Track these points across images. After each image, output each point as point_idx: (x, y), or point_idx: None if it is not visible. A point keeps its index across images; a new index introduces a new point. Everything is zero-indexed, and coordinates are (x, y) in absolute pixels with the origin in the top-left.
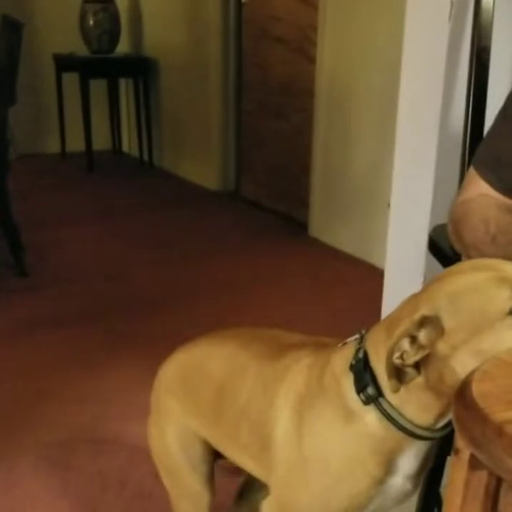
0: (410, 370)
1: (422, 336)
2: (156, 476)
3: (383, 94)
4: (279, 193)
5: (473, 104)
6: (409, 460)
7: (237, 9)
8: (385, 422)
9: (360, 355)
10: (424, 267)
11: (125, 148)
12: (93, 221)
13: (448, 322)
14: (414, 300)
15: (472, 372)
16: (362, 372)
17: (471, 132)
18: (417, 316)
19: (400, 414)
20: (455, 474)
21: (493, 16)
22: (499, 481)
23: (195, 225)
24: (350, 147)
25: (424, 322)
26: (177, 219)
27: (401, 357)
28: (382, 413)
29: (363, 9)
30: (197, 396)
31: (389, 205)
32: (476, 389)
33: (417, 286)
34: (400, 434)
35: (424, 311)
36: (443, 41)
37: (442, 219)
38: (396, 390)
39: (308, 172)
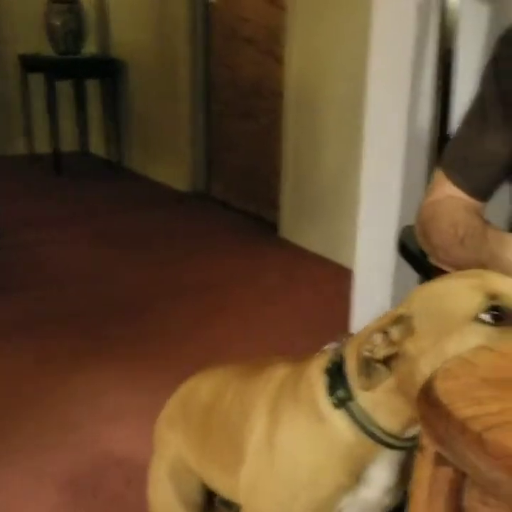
0: (380, 368)
1: (394, 332)
2: (129, 481)
3: (352, 95)
4: (249, 194)
5: (439, 105)
6: (382, 471)
7: (205, 9)
8: (355, 427)
9: (337, 359)
10: (393, 268)
11: (93, 149)
12: (62, 224)
13: (419, 323)
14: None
15: (435, 371)
16: (335, 375)
17: (438, 134)
18: (394, 313)
19: (370, 419)
20: (420, 471)
21: (458, 18)
22: (463, 476)
23: (166, 226)
24: (319, 148)
25: (398, 320)
26: (147, 220)
27: (371, 350)
28: (352, 417)
29: (332, 11)
30: (190, 424)
31: None
32: (440, 387)
33: (386, 286)
34: (370, 442)
35: (401, 310)
36: (409, 44)
37: (410, 220)
38: (365, 388)
39: (277, 173)
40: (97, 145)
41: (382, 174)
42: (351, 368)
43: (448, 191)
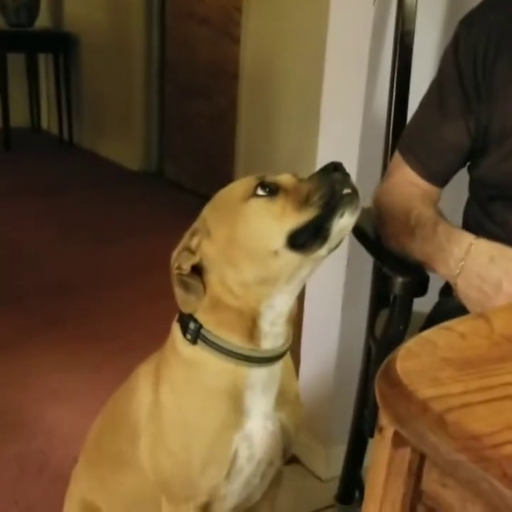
0: (193, 282)
1: (193, 243)
2: (75, 459)
3: (307, 78)
4: (203, 175)
5: (397, 89)
6: (259, 396)
7: None
8: (215, 354)
9: None
10: (347, 250)
11: (44, 125)
12: (9, 200)
13: (210, 224)
14: None
15: (396, 351)
16: (184, 317)
17: (394, 118)
18: (189, 230)
19: (224, 340)
20: (378, 452)
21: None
22: (422, 458)
23: (117, 206)
24: (274, 130)
25: (194, 232)
26: (98, 200)
27: (179, 267)
28: (209, 346)
29: None
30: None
31: None
32: (400, 366)
33: (340, 268)
34: (234, 364)
35: (194, 224)
36: (367, 25)
37: (366, 203)
38: (189, 308)
39: (232, 155)
40: (48, 121)
41: (338, 157)
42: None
43: (406, 176)
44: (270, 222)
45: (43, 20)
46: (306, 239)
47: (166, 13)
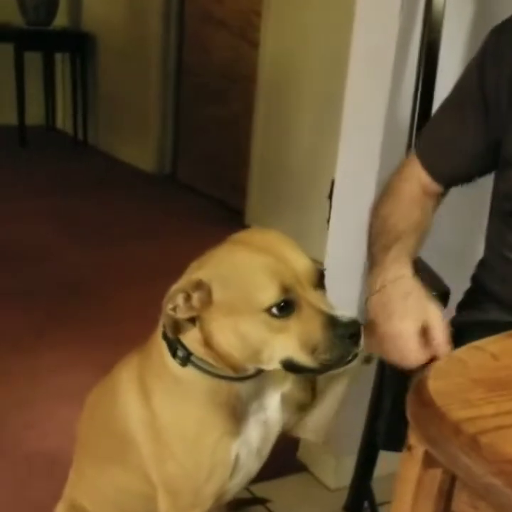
0: (185, 323)
1: (195, 298)
2: None
3: (325, 83)
4: (216, 179)
5: (420, 99)
6: (250, 401)
7: None
8: (205, 376)
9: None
10: (363, 262)
11: (59, 125)
12: (23, 198)
13: (216, 294)
14: (201, 261)
15: (427, 369)
16: (169, 339)
17: (417, 128)
18: (194, 277)
19: (212, 365)
20: (406, 470)
21: (444, 6)
22: (453, 479)
23: (129, 207)
24: (289, 136)
25: (199, 286)
26: (110, 200)
27: (174, 310)
28: (199, 369)
29: None
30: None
31: (329, 197)
32: (433, 386)
33: (356, 280)
34: (224, 382)
35: (201, 275)
36: (392, 34)
37: None
38: (173, 336)
39: (246, 159)
40: (63, 121)
41: (357, 167)
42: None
43: (415, 172)
44: (275, 340)
45: (61, 20)
46: (299, 371)
47: (184, 16)
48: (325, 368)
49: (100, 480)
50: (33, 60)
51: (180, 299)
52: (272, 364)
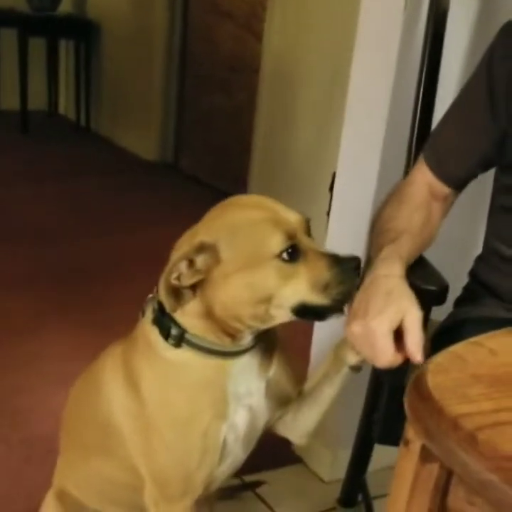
0: (186, 292)
1: (199, 260)
2: None
3: (328, 75)
4: (218, 169)
5: (423, 91)
6: (238, 380)
7: None
8: (198, 353)
9: (156, 306)
10: (363, 252)
11: (61, 110)
12: (24, 183)
13: (224, 252)
14: (193, 231)
15: (426, 364)
16: (162, 320)
17: (420, 120)
18: (196, 241)
19: (206, 341)
20: (403, 464)
21: (449, 3)
22: (449, 475)
23: (130, 195)
24: (292, 128)
25: (202, 248)
26: (110, 187)
27: (178, 278)
28: (193, 346)
29: None
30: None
31: (330, 189)
32: (431, 380)
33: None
34: (216, 359)
35: (203, 237)
36: (398, 24)
37: None
38: (174, 310)
39: (248, 150)
40: (65, 106)
41: (360, 158)
42: (162, 296)
43: (423, 176)
44: (287, 286)
45: (65, 6)
46: (309, 314)
47: (189, 5)
48: (337, 303)
49: (86, 469)
50: (37, 45)
51: (183, 267)
52: (281, 314)
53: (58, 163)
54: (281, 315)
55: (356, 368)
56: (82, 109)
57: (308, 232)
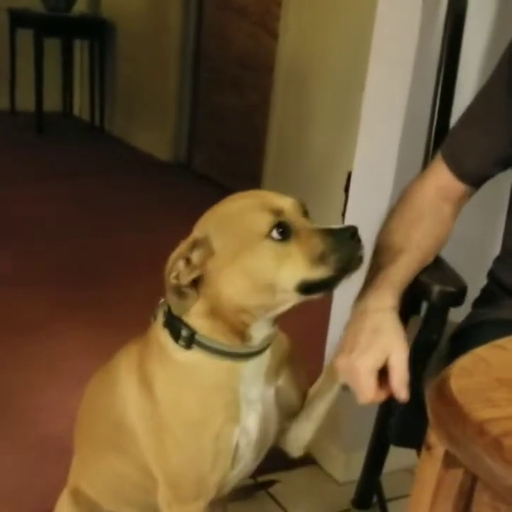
0: (189, 292)
1: (195, 256)
2: None
3: (344, 75)
4: (231, 169)
5: (441, 90)
6: (249, 383)
7: None
8: (210, 355)
9: (167, 309)
10: None
11: (76, 111)
12: (39, 183)
13: (216, 243)
14: (187, 238)
15: (449, 368)
16: (172, 322)
17: (437, 120)
18: (189, 239)
19: (217, 342)
20: (425, 470)
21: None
22: (474, 480)
23: (143, 194)
24: (306, 127)
25: (196, 244)
26: (123, 187)
27: (177, 277)
28: (204, 348)
29: None
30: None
31: (345, 190)
32: (455, 384)
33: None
34: (228, 361)
35: (195, 233)
36: (415, 22)
37: None
38: (180, 312)
39: (262, 150)
40: (80, 107)
41: (375, 160)
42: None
43: (435, 177)
44: (284, 267)
45: (80, 6)
46: (315, 290)
47: (204, 3)
48: (340, 272)
49: (100, 468)
50: (52, 46)
51: (180, 265)
52: (287, 297)
53: (72, 163)
54: (288, 298)
55: (345, 388)
56: (96, 109)
57: (305, 215)
